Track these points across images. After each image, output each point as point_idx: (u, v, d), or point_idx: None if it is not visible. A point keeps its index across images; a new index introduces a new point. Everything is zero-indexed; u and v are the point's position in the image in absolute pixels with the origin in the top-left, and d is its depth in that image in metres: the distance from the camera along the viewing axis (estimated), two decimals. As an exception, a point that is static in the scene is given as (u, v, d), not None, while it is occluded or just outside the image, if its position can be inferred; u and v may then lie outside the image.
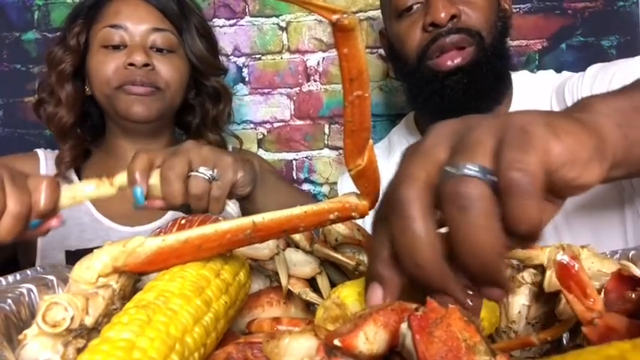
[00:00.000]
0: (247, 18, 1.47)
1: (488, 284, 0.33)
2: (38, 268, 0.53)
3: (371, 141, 0.38)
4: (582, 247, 0.47)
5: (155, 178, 0.64)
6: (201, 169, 0.67)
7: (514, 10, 1.16)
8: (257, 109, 1.48)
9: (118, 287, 0.38)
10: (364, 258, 0.53)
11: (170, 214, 1.04)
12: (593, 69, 0.96)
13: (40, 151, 1.16)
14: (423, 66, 1.00)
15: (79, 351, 0.36)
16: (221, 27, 1.46)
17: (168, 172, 0.64)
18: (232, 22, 1.47)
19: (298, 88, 1.47)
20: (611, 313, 0.37)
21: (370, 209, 0.40)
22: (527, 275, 0.48)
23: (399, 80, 1.41)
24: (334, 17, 0.35)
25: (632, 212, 0.94)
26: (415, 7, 1.01)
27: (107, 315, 0.37)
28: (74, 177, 1.13)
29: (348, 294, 0.44)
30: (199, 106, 1.19)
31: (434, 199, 0.34)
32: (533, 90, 1.06)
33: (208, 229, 0.38)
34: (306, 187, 1.48)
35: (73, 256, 1.03)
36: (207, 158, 0.69)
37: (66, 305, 0.35)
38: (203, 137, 1.18)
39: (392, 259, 0.36)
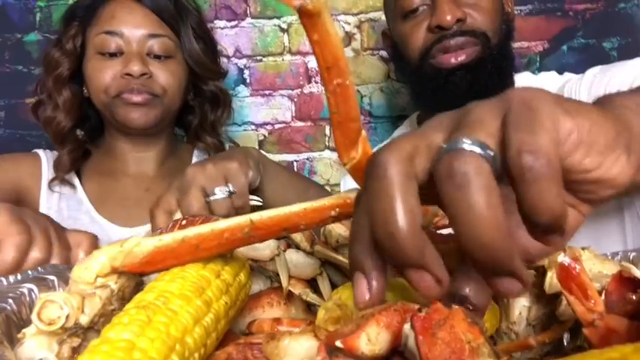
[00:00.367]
0: (248, 20, 1.47)
1: (500, 273, 0.29)
2: (39, 268, 0.53)
3: (364, 132, 0.36)
4: (583, 248, 0.46)
5: None
6: (217, 191, 0.69)
7: (515, 12, 1.16)
8: (258, 111, 1.48)
9: (117, 288, 0.38)
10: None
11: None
12: (593, 71, 0.96)
13: (41, 152, 1.15)
14: (426, 64, 1.00)
15: (74, 350, 0.36)
16: (222, 29, 1.46)
17: (190, 213, 0.66)
18: (233, 23, 1.47)
19: (299, 90, 1.48)
20: (612, 314, 0.37)
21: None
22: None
23: (402, 81, 1.41)
24: (297, 3, 0.32)
25: (631, 215, 0.94)
26: (421, 8, 1.01)
27: (104, 315, 0.37)
28: (74, 178, 1.13)
29: (350, 295, 0.43)
30: (198, 108, 1.18)
31: (417, 171, 0.30)
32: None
33: (205, 228, 0.38)
34: (307, 188, 1.49)
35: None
36: (215, 176, 0.70)
37: (61, 303, 0.35)
38: (201, 140, 1.18)
39: (373, 242, 0.31)
